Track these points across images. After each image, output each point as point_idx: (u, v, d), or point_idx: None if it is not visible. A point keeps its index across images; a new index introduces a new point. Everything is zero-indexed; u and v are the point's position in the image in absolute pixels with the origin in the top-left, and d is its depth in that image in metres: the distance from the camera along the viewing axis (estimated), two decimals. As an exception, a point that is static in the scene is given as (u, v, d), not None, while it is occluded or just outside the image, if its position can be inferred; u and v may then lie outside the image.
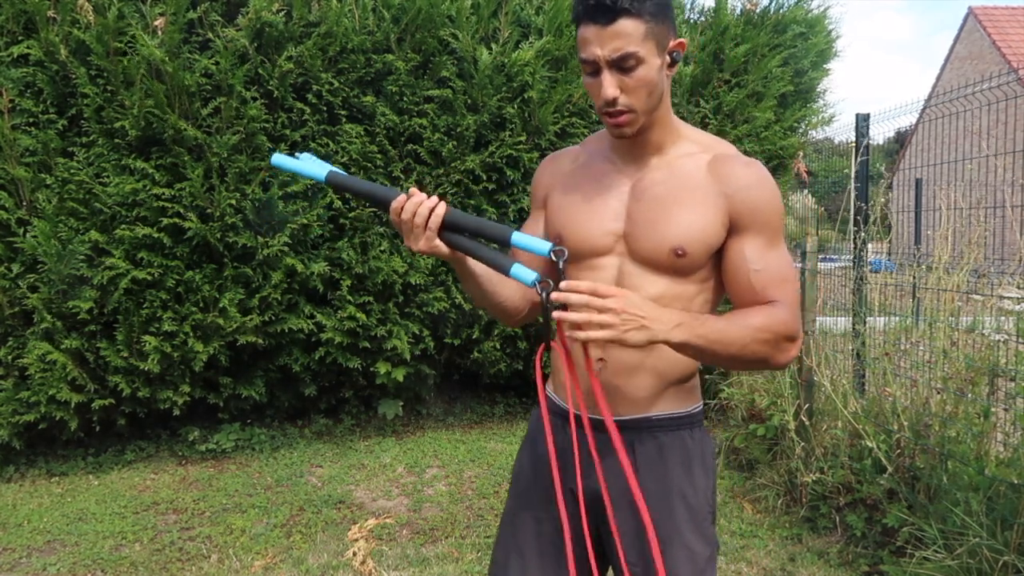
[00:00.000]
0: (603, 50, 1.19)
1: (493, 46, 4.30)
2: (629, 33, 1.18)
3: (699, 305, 1.31)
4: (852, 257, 3.91)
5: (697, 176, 1.29)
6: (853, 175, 4.07)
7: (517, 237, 1.24)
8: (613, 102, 1.22)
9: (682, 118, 5.03)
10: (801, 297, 3.70)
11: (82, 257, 3.71)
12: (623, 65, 1.19)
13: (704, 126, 4.66)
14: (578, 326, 1.10)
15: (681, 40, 1.26)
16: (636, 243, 1.30)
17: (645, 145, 1.32)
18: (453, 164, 4.29)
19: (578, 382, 1.25)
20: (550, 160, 1.48)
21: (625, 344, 1.12)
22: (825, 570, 2.89)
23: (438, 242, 1.23)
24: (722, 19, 4.74)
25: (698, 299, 1.31)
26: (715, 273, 1.32)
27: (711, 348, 1.18)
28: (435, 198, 1.23)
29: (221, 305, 3.93)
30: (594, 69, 1.22)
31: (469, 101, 4.29)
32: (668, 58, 1.24)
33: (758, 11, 4.87)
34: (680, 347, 1.17)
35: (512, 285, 1.40)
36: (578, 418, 1.27)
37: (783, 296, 1.26)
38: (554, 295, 1.12)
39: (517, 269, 1.20)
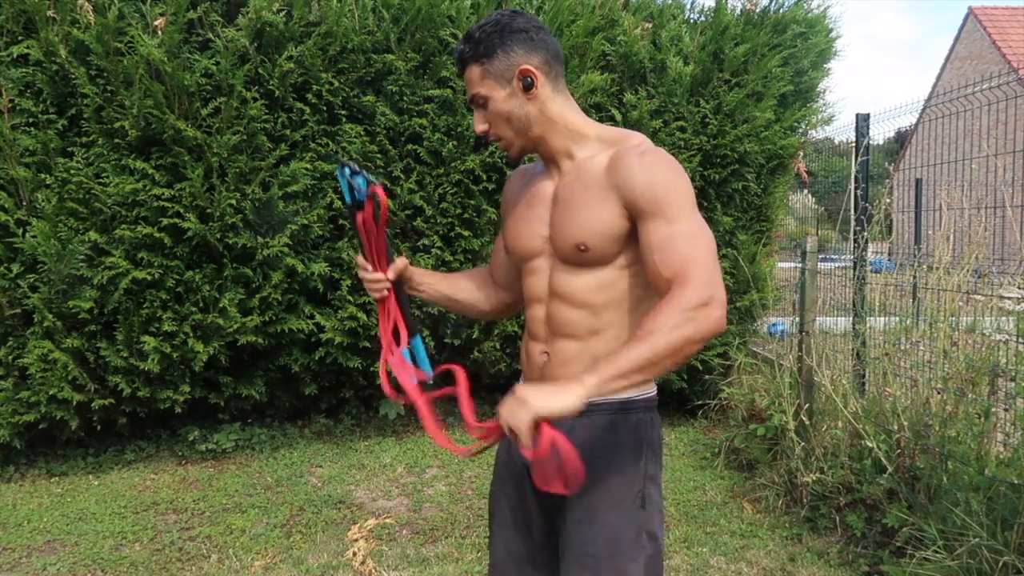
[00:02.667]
0: (468, 92, 1.45)
1: (493, 46, 4.29)
2: (471, 79, 1.42)
3: (621, 290, 1.42)
4: (853, 257, 3.91)
5: (596, 175, 1.41)
6: (854, 175, 4.07)
7: (417, 342, 1.72)
8: (484, 134, 1.45)
9: (682, 118, 5.01)
10: (801, 297, 3.71)
11: (82, 257, 3.71)
12: (478, 104, 1.43)
13: (704, 126, 4.66)
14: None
15: (524, 66, 1.40)
16: (555, 244, 1.45)
17: (554, 155, 1.47)
18: (453, 164, 4.29)
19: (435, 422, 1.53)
20: (510, 179, 1.65)
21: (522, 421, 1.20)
22: (825, 570, 2.89)
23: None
24: (722, 19, 4.74)
25: (618, 286, 1.42)
26: (634, 260, 1.42)
27: (639, 371, 1.22)
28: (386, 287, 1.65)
29: (221, 305, 3.93)
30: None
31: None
32: (519, 84, 1.41)
33: (758, 11, 4.87)
34: (607, 391, 1.23)
35: (472, 295, 1.73)
36: None
37: (684, 271, 1.28)
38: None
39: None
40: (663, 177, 1.35)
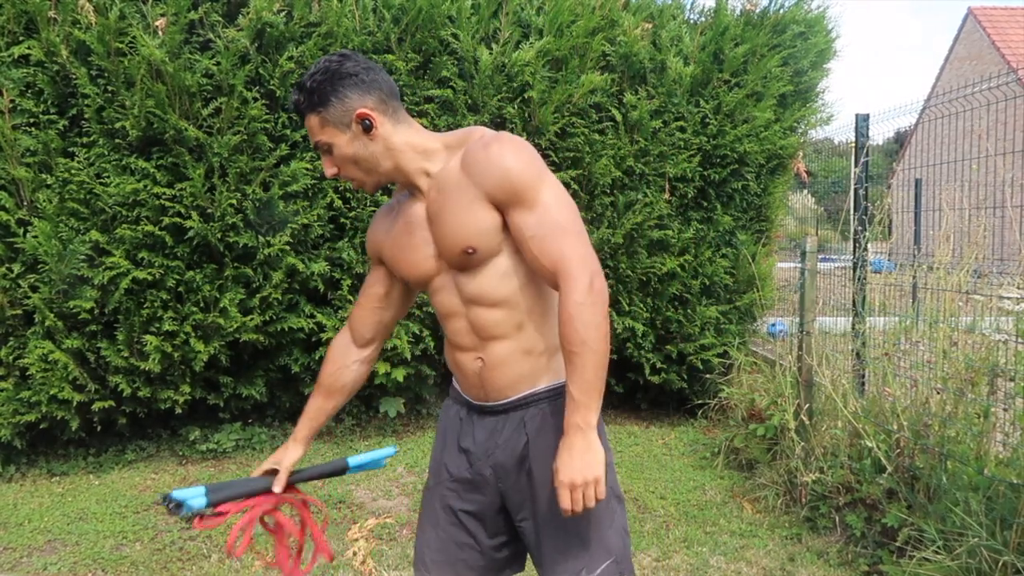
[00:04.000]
0: (311, 143, 1.49)
1: (493, 46, 4.30)
2: (311, 127, 1.44)
3: (524, 273, 1.45)
4: (853, 258, 3.91)
5: (455, 180, 1.43)
6: (853, 175, 4.07)
7: (354, 461, 1.70)
8: (335, 177, 1.49)
9: (682, 118, 5.01)
10: (801, 297, 3.71)
11: (83, 257, 3.72)
12: (323, 150, 1.46)
13: (704, 126, 4.67)
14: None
15: (361, 110, 1.42)
16: (446, 257, 1.47)
17: (411, 178, 1.49)
18: (453, 164, 4.29)
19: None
20: (373, 222, 1.65)
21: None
22: (825, 570, 2.90)
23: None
24: (722, 19, 4.75)
25: (516, 274, 1.45)
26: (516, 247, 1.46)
27: (601, 377, 1.36)
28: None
29: (222, 305, 3.94)
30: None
31: (469, 101, 4.29)
32: (358, 127, 1.43)
33: (758, 11, 4.88)
34: (596, 414, 1.37)
35: (343, 385, 1.71)
36: (477, 406, 1.55)
37: (558, 254, 1.37)
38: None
39: (356, 460, 1.71)
40: (511, 164, 1.38)
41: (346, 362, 1.69)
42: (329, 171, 1.47)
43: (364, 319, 1.68)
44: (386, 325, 1.70)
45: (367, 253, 1.68)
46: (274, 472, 1.67)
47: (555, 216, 1.39)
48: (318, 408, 1.71)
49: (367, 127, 1.43)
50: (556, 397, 1.49)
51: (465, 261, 1.44)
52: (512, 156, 1.39)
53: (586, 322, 1.33)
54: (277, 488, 1.63)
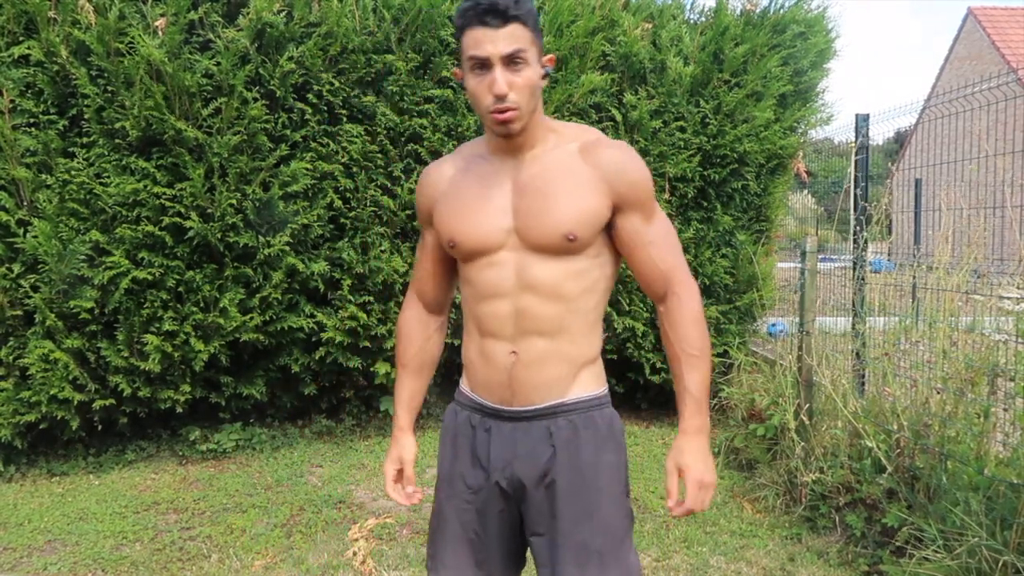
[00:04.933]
0: (496, 47, 1.31)
1: (493, 46, 4.30)
2: (519, 35, 1.32)
3: (593, 279, 1.44)
4: (852, 257, 3.92)
5: (572, 165, 1.40)
6: (853, 175, 4.07)
7: None
8: (504, 97, 1.32)
9: (682, 118, 5.01)
10: (801, 297, 3.71)
11: (83, 257, 3.72)
12: (514, 62, 1.32)
13: (704, 126, 4.67)
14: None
15: (551, 56, 1.40)
16: (528, 234, 1.39)
17: (522, 143, 1.42)
18: (453, 164, 4.29)
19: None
20: (425, 176, 1.54)
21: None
22: (824, 570, 2.90)
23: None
24: (722, 19, 4.75)
25: (590, 275, 1.43)
26: (606, 249, 1.45)
27: (709, 385, 1.44)
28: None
29: (222, 305, 3.94)
30: (485, 67, 1.33)
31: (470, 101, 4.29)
32: (542, 70, 1.38)
33: (758, 11, 4.88)
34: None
35: (430, 357, 1.65)
36: (495, 410, 1.46)
37: (676, 263, 1.45)
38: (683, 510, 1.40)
39: None
40: (645, 172, 1.43)
41: (427, 334, 1.62)
42: (505, 86, 1.32)
43: (433, 284, 1.60)
44: (452, 285, 1.61)
45: (417, 208, 1.57)
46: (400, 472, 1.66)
47: (670, 229, 1.47)
48: (412, 390, 1.63)
49: (547, 73, 1.40)
50: (588, 410, 1.45)
51: (557, 245, 1.38)
52: (643, 164, 1.43)
53: (704, 330, 1.42)
54: (416, 499, 1.67)
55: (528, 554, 1.57)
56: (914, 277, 3.88)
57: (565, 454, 1.43)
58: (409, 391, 1.63)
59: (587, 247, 1.40)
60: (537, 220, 1.38)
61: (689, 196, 4.72)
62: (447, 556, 1.53)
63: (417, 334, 1.62)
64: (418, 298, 1.63)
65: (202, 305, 3.96)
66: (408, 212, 4.30)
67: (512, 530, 1.51)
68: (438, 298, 1.62)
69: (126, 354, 3.86)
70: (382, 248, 4.23)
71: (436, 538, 1.58)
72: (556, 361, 1.42)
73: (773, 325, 5.55)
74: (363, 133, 4.17)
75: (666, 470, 1.43)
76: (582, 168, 1.39)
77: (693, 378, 1.40)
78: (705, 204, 4.80)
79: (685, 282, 1.44)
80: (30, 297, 3.72)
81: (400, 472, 1.65)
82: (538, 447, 1.44)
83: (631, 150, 1.43)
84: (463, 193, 1.45)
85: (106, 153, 3.76)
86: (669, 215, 4.66)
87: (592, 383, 1.47)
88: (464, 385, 1.55)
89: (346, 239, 4.23)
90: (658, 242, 1.43)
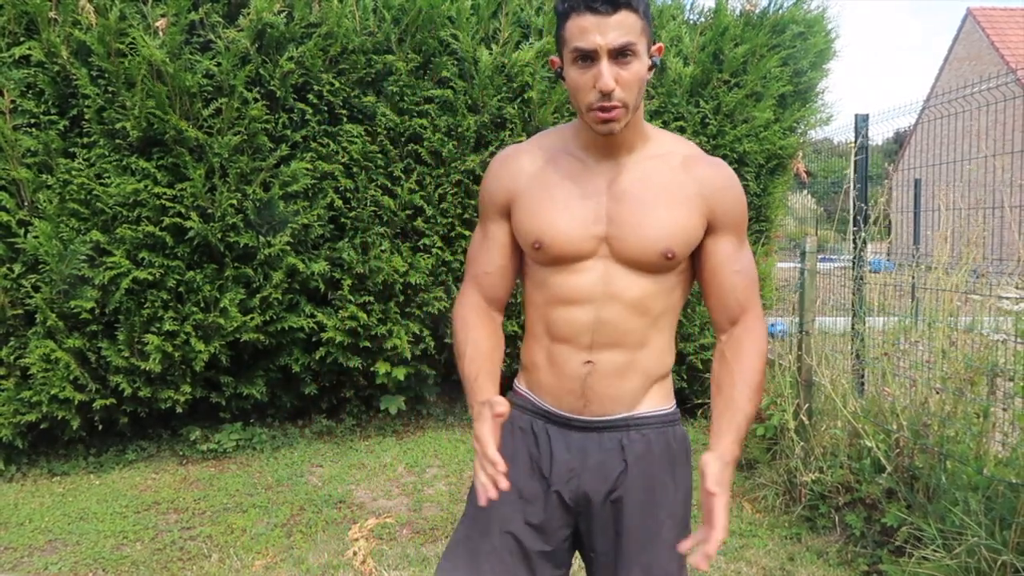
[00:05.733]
0: (604, 39, 1.17)
1: (493, 47, 4.31)
2: (630, 25, 1.18)
3: (677, 296, 1.37)
4: (852, 257, 3.92)
5: (671, 176, 1.31)
6: (852, 175, 4.08)
7: None
8: (611, 93, 1.19)
9: (682, 118, 5.01)
10: (801, 297, 3.72)
11: (83, 257, 3.72)
12: (623, 55, 1.19)
13: (704, 126, 4.68)
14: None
15: (660, 44, 1.28)
16: (622, 245, 1.29)
17: (619, 144, 1.30)
18: (453, 164, 4.30)
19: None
20: (503, 163, 1.39)
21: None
22: (824, 569, 2.90)
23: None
24: (721, 20, 4.75)
25: (676, 292, 1.37)
26: (690, 268, 1.38)
27: (752, 421, 1.31)
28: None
29: (222, 305, 3.94)
30: (590, 59, 1.20)
31: (469, 101, 4.30)
32: (650, 61, 1.25)
33: (757, 12, 4.89)
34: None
35: (498, 348, 1.41)
36: (565, 418, 1.36)
37: (754, 299, 1.37)
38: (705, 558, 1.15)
39: None
40: (742, 196, 1.36)
41: (495, 326, 1.43)
42: (609, 83, 1.18)
43: (500, 280, 1.42)
44: (512, 286, 1.45)
45: (485, 198, 1.40)
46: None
47: (753, 262, 1.40)
48: (491, 366, 1.36)
49: (654, 64, 1.27)
50: (662, 426, 1.38)
51: (648, 261, 1.29)
52: (742, 189, 1.38)
53: (763, 370, 1.33)
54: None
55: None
56: (913, 277, 3.88)
57: (637, 470, 1.35)
58: (489, 366, 1.36)
59: (678, 266, 1.33)
60: (634, 232, 1.28)
61: (689, 196, 4.72)
62: (482, 566, 1.35)
63: (485, 322, 1.41)
64: (479, 293, 1.44)
65: (202, 305, 3.96)
66: (408, 212, 4.30)
67: (568, 544, 1.41)
68: (503, 295, 1.45)
69: (127, 354, 3.87)
70: (382, 248, 4.24)
71: (460, 550, 1.39)
72: (633, 374, 1.34)
73: (773, 325, 5.55)
74: (363, 133, 4.17)
75: (704, 490, 1.17)
76: (683, 181, 1.31)
77: (748, 409, 1.28)
78: (705, 204, 4.80)
79: (760, 318, 1.37)
80: (31, 297, 3.73)
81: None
82: (609, 460, 1.34)
83: (732, 172, 1.36)
84: (553, 191, 1.32)
85: (107, 153, 3.77)
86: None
87: (663, 398, 1.39)
88: (523, 387, 1.43)
89: (346, 239, 4.23)
90: (744, 272, 1.36)
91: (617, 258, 1.30)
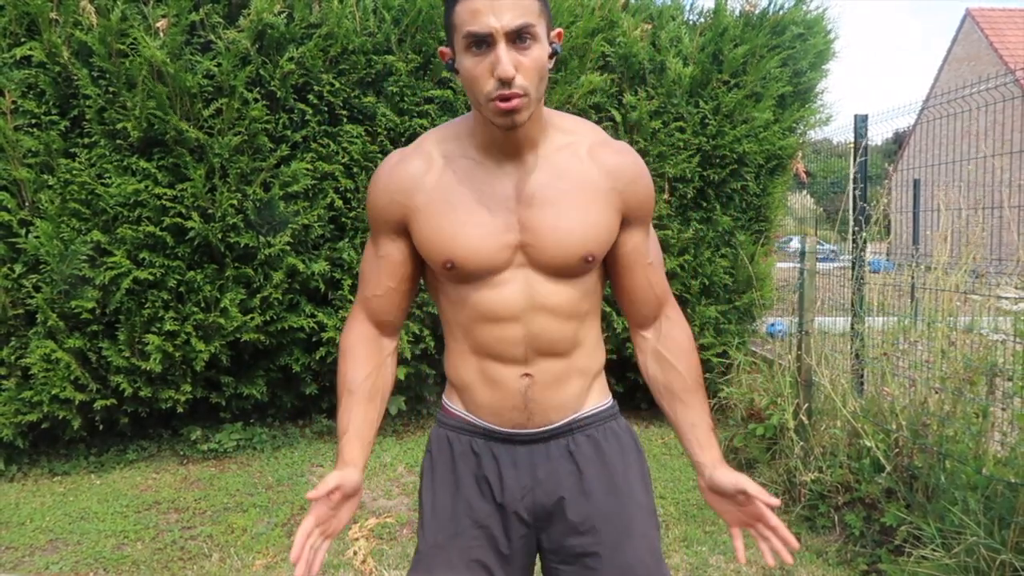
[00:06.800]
0: (500, 20, 1.07)
1: (493, 47, 4.31)
2: (526, 5, 1.09)
3: (599, 294, 1.33)
4: (852, 257, 3.93)
5: (581, 171, 1.22)
6: (852, 176, 4.08)
7: None
8: (511, 81, 1.09)
9: (681, 119, 5.02)
10: (800, 297, 3.73)
11: (84, 257, 3.73)
12: (520, 39, 1.09)
13: (703, 126, 4.68)
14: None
15: (559, 30, 1.19)
16: (539, 254, 1.21)
17: (522, 141, 1.19)
18: (453, 165, 4.30)
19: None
20: (390, 174, 1.25)
21: None
22: (823, 569, 2.91)
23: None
24: (721, 20, 4.76)
25: (597, 289, 1.31)
26: (603, 262, 1.32)
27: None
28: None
29: (222, 305, 3.95)
30: (485, 44, 1.10)
31: (469, 102, 4.30)
32: (550, 47, 1.16)
33: (757, 12, 4.89)
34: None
35: (383, 385, 1.34)
36: (505, 434, 1.29)
37: (668, 287, 1.37)
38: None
39: None
40: (651, 184, 1.29)
41: (381, 359, 1.33)
42: (511, 67, 1.08)
43: (393, 303, 1.32)
44: (408, 308, 1.36)
45: (373, 213, 1.27)
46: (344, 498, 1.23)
47: (660, 250, 1.35)
48: (364, 419, 1.28)
49: (555, 52, 1.17)
50: (605, 421, 1.33)
51: (569, 267, 1.22)
52: (650, 175, 1.28)
53: (700, 363, 1.35)
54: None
55: None
56: (912, 277, 3.89)
57: (592, 471, 1.30)
58: (360, 419, 1.27)
59: (596, 265, 1.27)
60: (551, 239, 1.20)
61: (688, 196, 4.73)
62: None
63: (369, 356, 1.32)
64: (368, 318, 1.33)
65: (203, 305, 3.97)
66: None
67: (531, 560, 1.35)
68: (396, 320, 1.34)
69: (127, 354, 3.87)
70: (382, 248, 4.24)
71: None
72: (572, 378, 1.29)
73: (772, 325, 5.56)
74: (363, 134, 4.18)
75: (728, 520, 1.35)
76: (593, 176, 1.22)
77: (705, 408, 1.32)
78: (704, 204, 4.81)
79: (677, 307, 1.35)
80: (32, 297, 3.73)
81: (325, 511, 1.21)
82: (560, 468, 1.29)
83: (640, 158, 1.28)
84: (455, 203, 1.21)
85: (107, 154, 3.77)
86: (668, 215, 4.68)
87: (601, 394, 1.35)
88: (456, 407, 1.33)
89: (347, 239, 4.24)
90: (655, 263, 1.32)
91: (535, 267, 1.22)
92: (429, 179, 1.23)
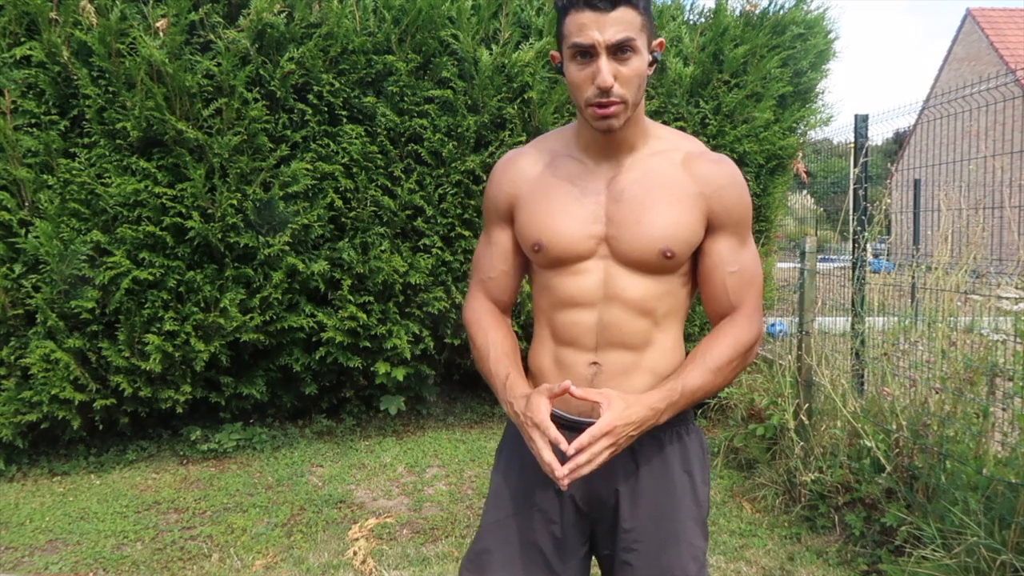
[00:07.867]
0: (603, 35, 1.18)
1: (493, 47, 4.31)
2: (629, 21, 1.19)
3: (680, 300, 1.35)
4: (852, 258, 3.92)
5: (672, 175, 1.30)
6: (852, 176, 4.08)
7: None
8: (609, 90, 1.20)
9: (681, 118, 5.02)
10: (801, 297, 3.72)
11: (84, 257, 3.73)
12: (622, 51, 1.19)
13: (704, 126, 4.68)
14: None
15: (661, 40, 1.28)
16: (621, 245, 1.29)
17: (620, 143, 1.31)
18: (453, 164, 4.30)
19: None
20: (504, 168, 1.42)
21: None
22: (824, 569, 2.91)
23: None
24: (722, 20, 4.76)
25: (680, 294, 1.35)
26: (692, 267, 1.36)
27: (700, 398, 1.28)
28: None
29: (222, 305, 3.95)
30: (588, 55, 1.21)
31: (469, 102, 4.30)
32: (650, 56, 1.25)
33: (757, 12, 4.89)
34: (666, 416, 1.26)
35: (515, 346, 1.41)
36: (572, 421, 1.31)
37: (749, 299, 1.33)
38: (567, 472, 1.17)
39: None
40: (744, 194, 1.32)
41: (507, 325, 1.45)
42: (611, 77, 1.19)
43: (502, 283, 1.44)
44: (517, 290, 1.46)
45: (488, 204, 1.42)
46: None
47: (756, 266, 1.35)
48: (517, 365, 1.36)
49: (655, 60, 1.26)
50: (673, 425, 1.34)
51: (647, 261, 1.28)
52: (745, 187, 1.33)
53: (736, 363, 1.28)
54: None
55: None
56: (913, 277, 3.89)
57: (649, 471, 1.33)
58: (514, 360, 1.36)
59: (680, 266, 1.31)
60: (632, 232, 1.28)
61: (689, 196, 4.72)
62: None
63: (499, 321, 1.43)
64: (486, 296, 1.46)
65: (203, 305, 3.97)
66: (408, 212, 4.30)
67: (584, 548, 1.40)
68: (508, 299, 1.46)
69: (127, 354, 3.87)
70: (382, 248, 4.24)
71: (484, 559, 1.38)
72: (641, 374, 1.31)
73: (772, 325, 5.56)
74: (363, 133, 4.17)
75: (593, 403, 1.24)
76: (683, 180, 1.29)
77: (696, 380, 1.25)
78: (705, 204, 4.80)
79: (750, 317, 1.32)
80: (31, 297, 3.73)
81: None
82: (616, 461, 1.28)
83: (736, 169, 1.33)
84: (551, 194, 1.33)
85: (107, 153, 3.77)
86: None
87: None
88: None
89: (346, 239, 4.24)
90: (741, 272, 1.32)
91: (617, 258, 1.30)
92: (534, 172, 1.37)
